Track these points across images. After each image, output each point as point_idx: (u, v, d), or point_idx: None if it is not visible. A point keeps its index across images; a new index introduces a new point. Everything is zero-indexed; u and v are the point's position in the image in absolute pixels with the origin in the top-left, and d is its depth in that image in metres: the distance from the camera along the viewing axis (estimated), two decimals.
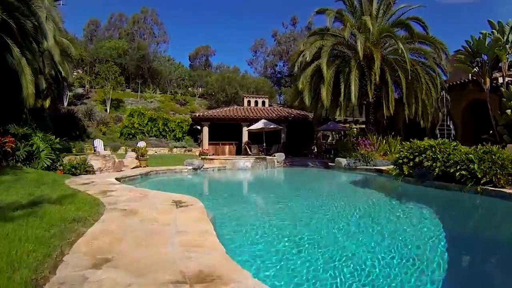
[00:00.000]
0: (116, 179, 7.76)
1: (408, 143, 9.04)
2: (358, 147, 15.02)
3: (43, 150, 8.45)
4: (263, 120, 20.35)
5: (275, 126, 20.14)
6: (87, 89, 33.07)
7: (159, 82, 36.01)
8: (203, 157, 15.84)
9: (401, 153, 8.93)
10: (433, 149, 7.87)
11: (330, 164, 15.55)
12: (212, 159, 14.40)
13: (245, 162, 13.34)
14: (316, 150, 26.97)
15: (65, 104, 27.10)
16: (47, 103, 15.65)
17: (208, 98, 33.90)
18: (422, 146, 8.26)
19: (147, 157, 11.94)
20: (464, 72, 14.48)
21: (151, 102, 31.27)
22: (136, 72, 33.91)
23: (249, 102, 27.01)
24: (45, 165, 8.31)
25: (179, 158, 17.63)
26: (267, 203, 7.26)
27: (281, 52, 44.90)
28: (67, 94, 27.29)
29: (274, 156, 15.28)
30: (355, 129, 25.98)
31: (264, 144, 20.37)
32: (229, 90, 30.90)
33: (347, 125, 25.26)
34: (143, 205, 4.47)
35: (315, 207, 6.37)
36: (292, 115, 24.37)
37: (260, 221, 5.11)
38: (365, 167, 13.35)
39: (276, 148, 20.26)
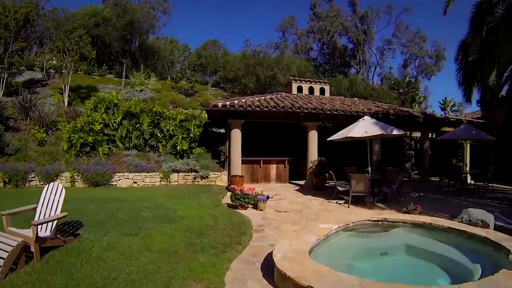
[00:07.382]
0: None
1: None
2: None
3: None
4: (369, 119, 9.06)
5: (401, 132, 8.86)
6: (51, 75, 22.61)
7: (155, 65, 24.96)
8: (262, 209, 4.46)
9: None
10: None
11: None
12: None
13: None
14: (412, 171, 15.57)
15: (0, 92, 16.50)
16: None
17: (227, 87, 22.70)
18: None
19: None
20: None
21: (140, 91, 20.23)
22: (121, 48, 22.82)
23: (299, 89, 15.74)
24: None
25: (183, 214, 6.42)
26: None
27: (322, 29, 33.58)
28: (3, 77, 16.71)
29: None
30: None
31: (370, 169, 9.09)
32: (261, 72, 19.62)
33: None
34: None
35: None
36: (391, 112, 13.01)
37: None
38: None
39: (400, 177, 8.93)
